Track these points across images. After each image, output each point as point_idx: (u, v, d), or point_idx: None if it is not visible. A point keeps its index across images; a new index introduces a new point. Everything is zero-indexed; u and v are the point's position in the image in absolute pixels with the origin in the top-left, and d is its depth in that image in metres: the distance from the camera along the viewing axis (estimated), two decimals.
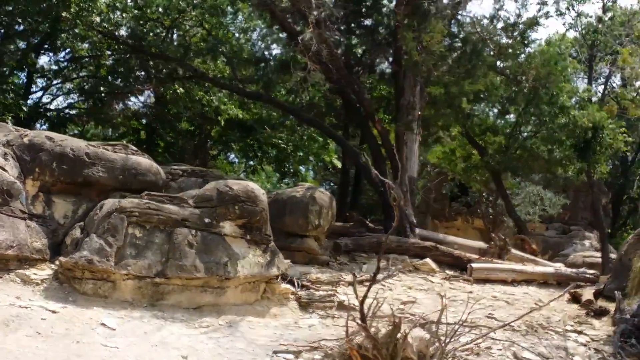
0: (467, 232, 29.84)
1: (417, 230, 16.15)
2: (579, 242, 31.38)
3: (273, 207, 12.86)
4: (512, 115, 23.10)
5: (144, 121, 26.38)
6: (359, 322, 7.58)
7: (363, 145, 18.69)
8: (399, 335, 7.72)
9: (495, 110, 23.33)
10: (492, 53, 18.15)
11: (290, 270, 11.98)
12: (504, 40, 18.20)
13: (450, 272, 14.02)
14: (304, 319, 10.53)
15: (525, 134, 23.27)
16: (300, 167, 33.94)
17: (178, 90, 22.81)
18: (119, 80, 19.75)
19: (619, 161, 37.35)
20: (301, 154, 29.11)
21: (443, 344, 7.98)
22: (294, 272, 12.08)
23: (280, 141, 27.37)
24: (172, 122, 25.97)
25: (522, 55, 20.10)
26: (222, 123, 25.44)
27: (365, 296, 7.57)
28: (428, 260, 13.99)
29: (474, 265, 13.86)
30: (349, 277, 12.28)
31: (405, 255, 14.09)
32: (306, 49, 12.99)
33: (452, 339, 8.22)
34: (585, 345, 10.74)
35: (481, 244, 17.15)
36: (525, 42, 19.14)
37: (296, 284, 11.42)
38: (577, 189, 30.95)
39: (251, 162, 32.16)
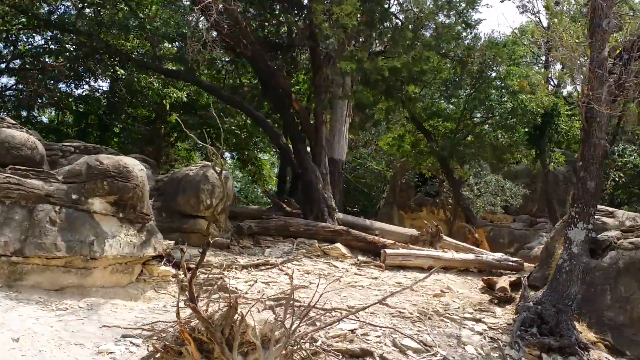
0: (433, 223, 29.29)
1: (341, 215, 15.59)
2: (546, 234, 30.92)
3: (169, 187, 12.37)
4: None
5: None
6: (189, 302, 6.98)
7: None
8: (236, 317, 7.14)
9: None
10: (434, 33, 17.60)
11: (179, 252, 11.45)
12: (443, 19, 17.63)
13: (362, 258, 13.48)
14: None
15: (476, 119, 22.76)
16: (260, 155, 33.33)
17: (119, 72, 22.22)
18: (35, 57, 19.02)
19: None
20: (258, 140, 28.55)
21: (289, 328, 7.41)
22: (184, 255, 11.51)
23: (233, 127, 26.83)
24: (121, 107, 25.36)
25: (468, 37, 19.58)
26: (167, 107, 24.84)
27: (193, 275, 6.97)
28: (338, 245, 13.43)
29: (387, 251, 13.33)
30: (243, 261, 11.75)
31: (314, 240, 13.52)
32: (206, 21, 12.39)
33: (303, 323, 7.66)
34: (481, 333, 10.24)
35: (413, 232, 16.62)
36: (468, 22, 18.56)
37: (181, 267, 10.83)
38: (545, 180, 30.46)
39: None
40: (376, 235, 14.68)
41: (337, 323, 8.31)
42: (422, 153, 22.04)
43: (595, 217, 14.23)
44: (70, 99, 24.94)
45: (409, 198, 33.69)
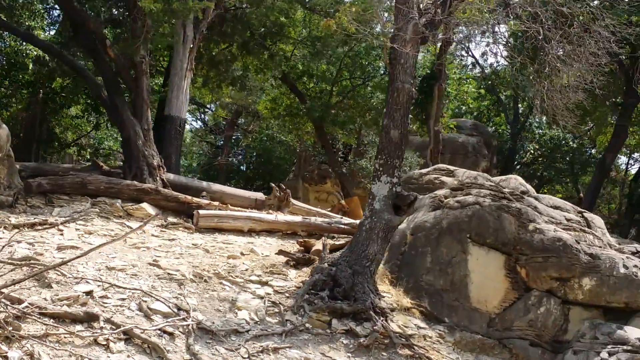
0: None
1: (172, 176, 14.53)
2: None
3: None
4: None
5: None
6: None
7: None
8: None
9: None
10: None
11: None
12: None
13: (172, 219, 12.49)
14: None
15: (359, 81, 21.85)
16: None
17: None
18: None
19: (509, 124, 36.62)
20: None
21: None
22: None
23: None
24: None
25: None
26: (30, 66, 23.34)
27: None
28: (145, 204, 12.39)
29: (201, 211, 12.36)
30: (16, 220, 10.66)
31: (118, 199, 12.44)
32: None
33: None
34: (262, 298, 9.39)
35: (259, 195, 15.69)
36: None
37: None
38: (454, 152, 29.98)
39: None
40: (203, 197, 13.68)
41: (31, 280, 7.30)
42: (291, 115, 21.00)
43: (434, 176, 13.59)
44: None
45: (312, 170, 32.82)
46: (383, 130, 10.16)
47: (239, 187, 28.22)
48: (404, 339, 9.40)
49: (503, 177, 13.75)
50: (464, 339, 10.48)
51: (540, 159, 38.45)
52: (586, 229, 12.16)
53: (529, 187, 14.15)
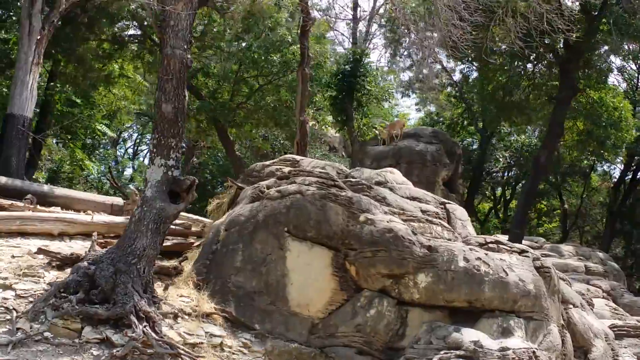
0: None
1: (5, 180, 13.16)
2: None
3: None
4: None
5: None
6: None
7: None
8: None
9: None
10: None
11: None
12: None
13: None
14: None
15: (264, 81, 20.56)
16: None
17: None
18: None
19: (479, 133, 35.45)
20: None
21: None
22: None
23: None
24: None
25: None
26: None
27: None
28: None
29: (1, 213, 11.05)
30: None
31: None
32: None
33: None
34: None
35: (117, 200, 14.39)
36: None
37: None
38: (410, 161, 28.56)
39: None
40: (26, 199, 12.36)
41: None
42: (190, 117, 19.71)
43: (277, 167, 12.26)
44: None
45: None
46: (155, 105, 8.89)
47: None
48: (171, 349, 8.01)
49: (360, 168, 12.43)
50: (276, 349, 9.22)
51: (513, 168, 37.06)
52: (434, 219, 10.83)
53: (399, 179, 12.85)
